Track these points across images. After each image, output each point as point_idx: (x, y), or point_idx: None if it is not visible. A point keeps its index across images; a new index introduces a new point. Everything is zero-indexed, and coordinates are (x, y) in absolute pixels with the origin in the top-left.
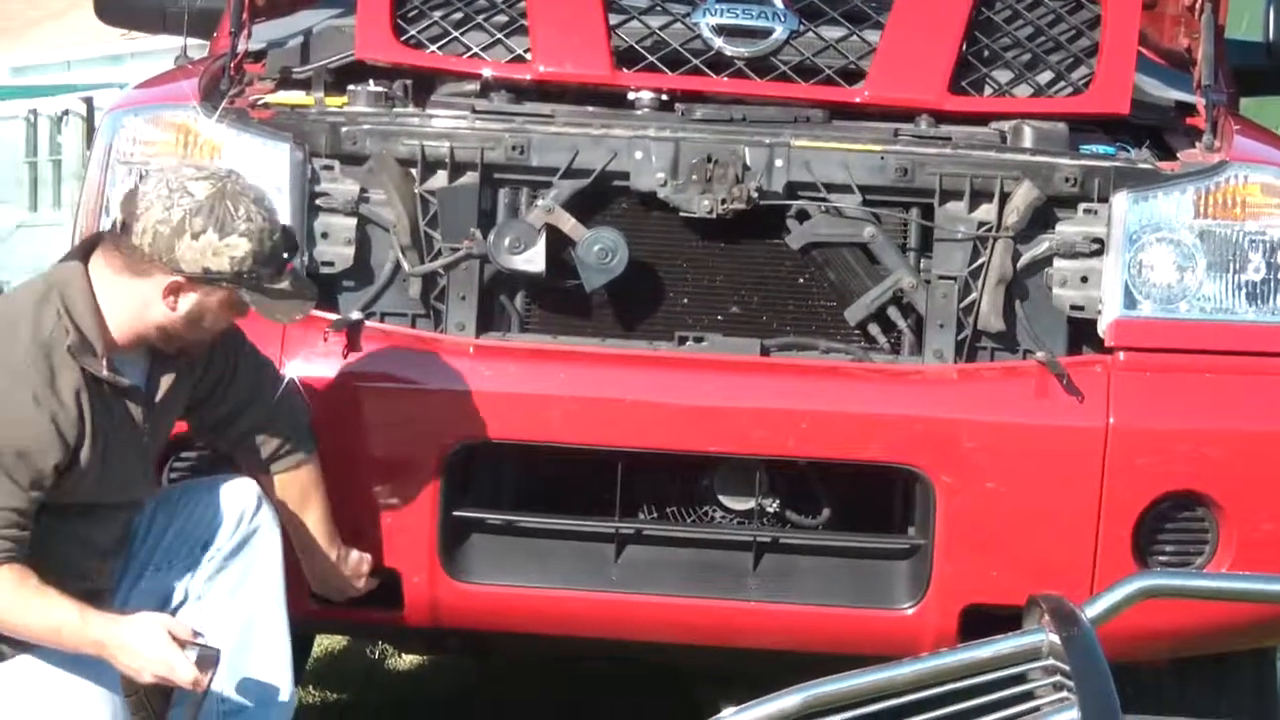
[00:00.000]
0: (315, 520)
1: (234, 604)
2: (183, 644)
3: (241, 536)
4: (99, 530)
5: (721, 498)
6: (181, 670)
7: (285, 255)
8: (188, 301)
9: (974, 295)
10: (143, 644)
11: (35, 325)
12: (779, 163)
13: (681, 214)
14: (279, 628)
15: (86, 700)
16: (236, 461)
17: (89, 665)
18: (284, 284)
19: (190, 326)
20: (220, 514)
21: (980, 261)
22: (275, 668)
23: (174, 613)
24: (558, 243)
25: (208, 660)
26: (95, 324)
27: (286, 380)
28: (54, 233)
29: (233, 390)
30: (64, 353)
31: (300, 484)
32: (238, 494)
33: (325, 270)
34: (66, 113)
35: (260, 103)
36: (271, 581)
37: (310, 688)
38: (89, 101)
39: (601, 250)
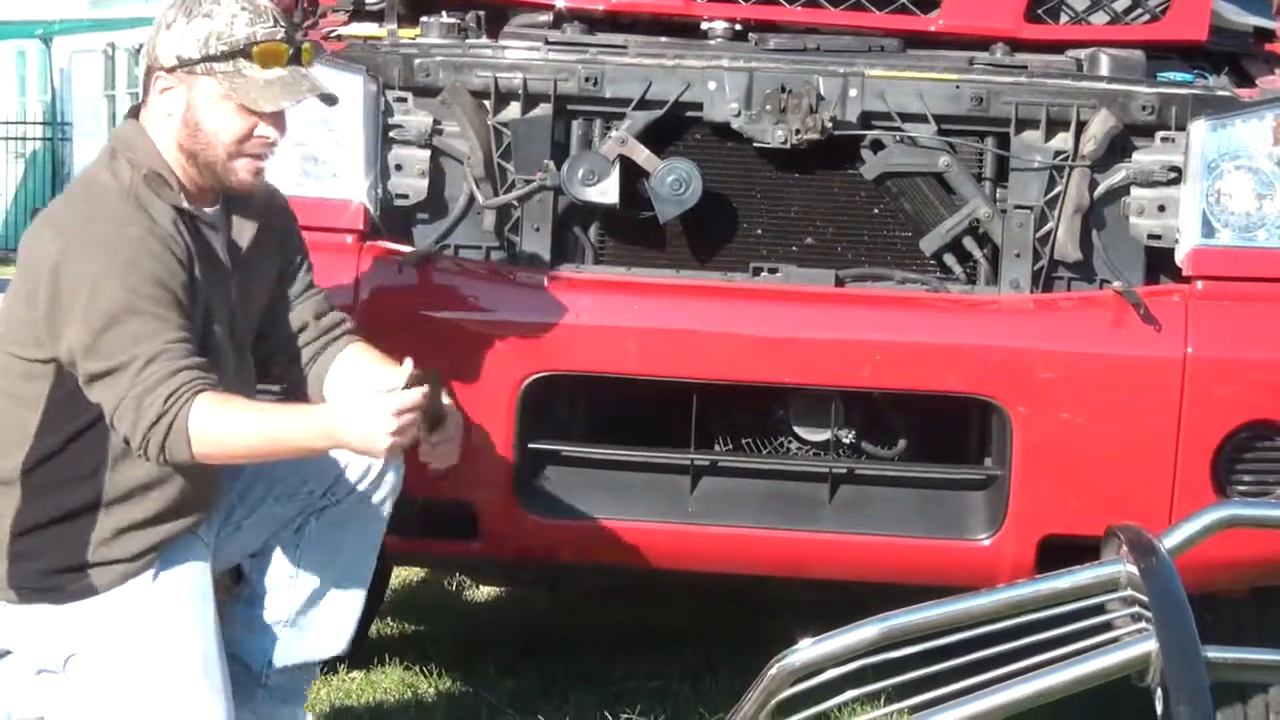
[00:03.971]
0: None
1: (331, 548)
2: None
3: (362, 491)
4: None
5: (797, 429)
6: (406, 420)
7: (274, 40)
8: (179, 102)
9: (1050, 225)
10: (368, 414)
11: (114, 176)
12: (853, 92)
13: (755, 144)
14: (360, 587)
15: (186, 629)
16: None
17: (184, 592)
18: (270, 72)
19: (193, 134)
20: (348, 464)
21: (1056, 191)
22: (342, 618)
23: (273, 541)
24: (631, 174)
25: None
26: (160, 162)
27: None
28: None
29: (303, 257)
30: (147, 191)
31: (363, 348)
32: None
33: (399, 203)
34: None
35: (333, 35)
36: (371, 542)
37: (388, 618)
38: None
39: (675, 181)
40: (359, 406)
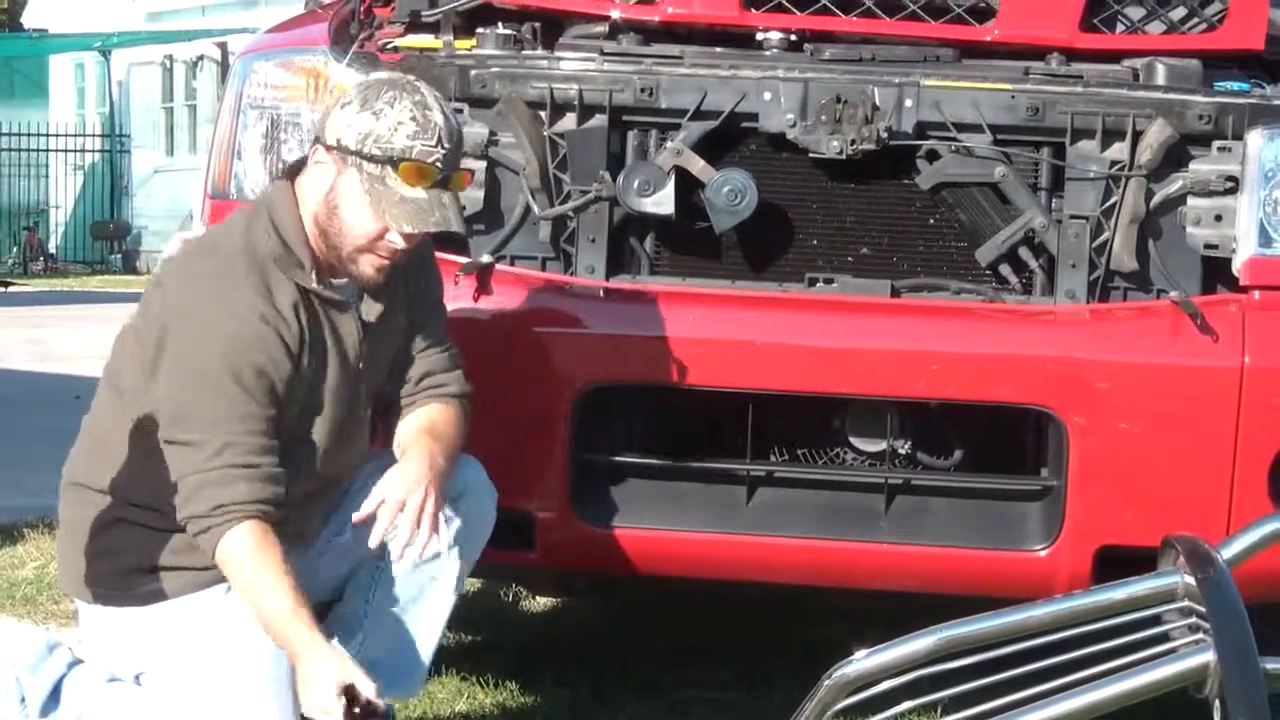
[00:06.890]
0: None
1: (409, 590)
2: (352, 701)
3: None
4: (303, 469)
5: (853, 439)
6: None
7: (425, 162)
8: (326, 179)
9: (1106, 235)
10: (316, 682)
11: (248, 243)
12: (909, 102)
13: (811, 155)
14: (434, 633)
15: (258, 643)
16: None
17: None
18: (412, 191)
19: (329, 215)
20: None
21: (1113, 201)
22: (412, 663)
23: (357, 570)
24: (687, 185)
25: None
26: (298, 235)
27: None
28: (190, 177)
29: (433, 309)
30: (276, 268)
31: (446, 414)
32: (452, 484)
33: None
34: (201, 58)
35: (390, 46)
36: (450, 588)
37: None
38: (223, 46)
39: (731, 192)
40: (320, 670)
